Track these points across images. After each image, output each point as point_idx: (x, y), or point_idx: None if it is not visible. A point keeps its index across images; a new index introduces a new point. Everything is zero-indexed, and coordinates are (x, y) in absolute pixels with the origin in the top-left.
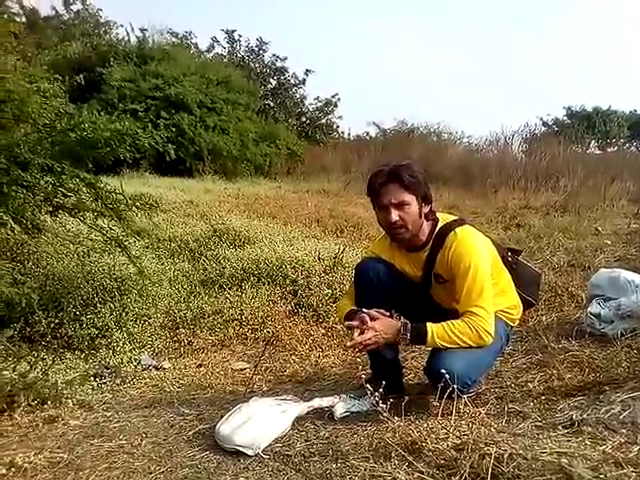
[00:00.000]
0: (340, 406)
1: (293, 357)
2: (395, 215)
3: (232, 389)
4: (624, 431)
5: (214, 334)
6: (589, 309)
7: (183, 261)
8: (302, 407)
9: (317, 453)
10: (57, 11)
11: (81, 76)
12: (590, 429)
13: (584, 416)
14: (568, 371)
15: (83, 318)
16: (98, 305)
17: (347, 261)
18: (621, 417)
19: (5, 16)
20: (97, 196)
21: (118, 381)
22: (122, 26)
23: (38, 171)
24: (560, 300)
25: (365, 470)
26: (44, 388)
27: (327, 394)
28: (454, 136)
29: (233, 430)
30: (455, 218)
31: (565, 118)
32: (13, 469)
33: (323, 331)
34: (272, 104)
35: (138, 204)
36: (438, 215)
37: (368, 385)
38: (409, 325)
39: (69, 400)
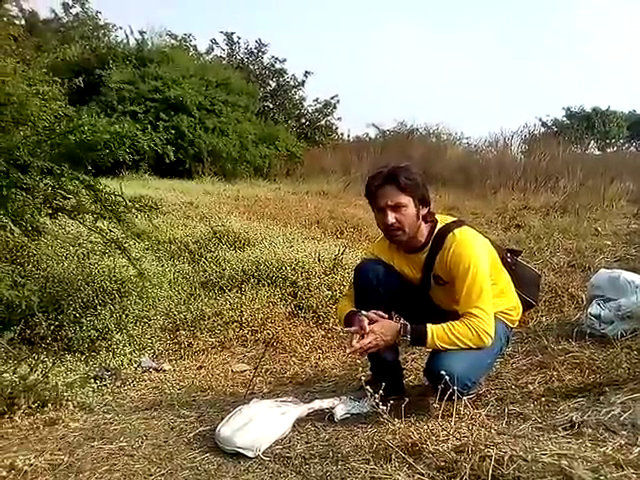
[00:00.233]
0: (340, 408)
1: (293, 359)
2: (392, 217)
3: (232, 391)
4: (624, 433)
5: (214, 336)
6: (589, 310)
7: (183, 263)
8: (302, 409)
9: (317, 455)
10: (56, 14)
11: (80, 79)
12: (590, 431)
13: (584, 418)
14: (568, 372)
15: (83, 320)
16: (98, 307)
17: (347, 262)
18: (621, 418)
19: (4, 19)
20: (97, 198)
21: (118, 383)
22: (121, 28)
23: (37, 173)
24: (560, 301)
25: (365, 472)
26: (44, 390)
27: (327, 396)
28: (453, 137)
29: (233, 432)
30: (454, 219)
31: (564, 119)
32: (13, 471)
33: (323, 333)
34: (271, 106)
35: (138, 206)
36: (437, 216)
37: (368, 387)
38: (409, 326)
39: (69, 402)
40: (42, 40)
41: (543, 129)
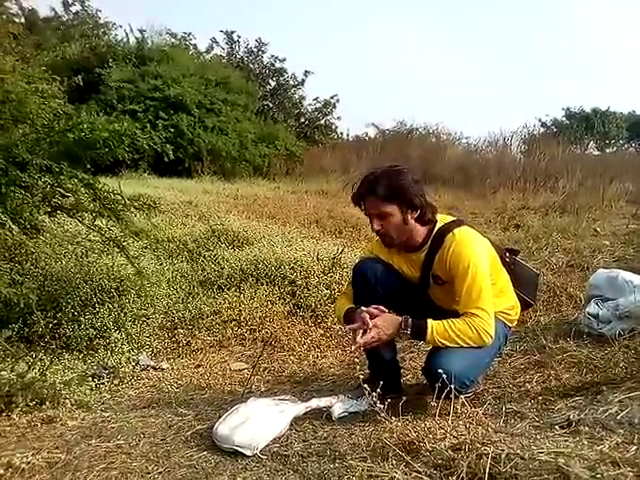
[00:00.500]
0: (338, 406)
1: (291, 357)
2: (377, 225)
3: (230, 389)
4: (621, 431)
5: (212, 335)
6: (587, 309)
7: (182, 262)
8: (300, 407)
9: (315, 453)
10: (56, 12)
11: (79, 77)
12: (587, 429)
13: (582, 416)
14: (566, 371)
15: (81, 318)
16: (96, 305)
17: (346, 262)
18: (618, 417)
19: (4, 17)
20: (95, 196)
21: (116, 381)
22: (121, 27)
23: (36, 171)
24: (558, 300)
25: (363, 470)
26: (42, 388)
27: (325, 394)
28: (453, 137)
29: (231, 430)
30: (453, 219)
31: (564, 119)
32: (11, 469)
33: (321, 331)
34: (271, 105)
35: (136, 204)
36: (436, 216)
37: (366, 385)
38: (410, 320)
39: (67, 400)
40: (42, 38)
41: (542, 129)
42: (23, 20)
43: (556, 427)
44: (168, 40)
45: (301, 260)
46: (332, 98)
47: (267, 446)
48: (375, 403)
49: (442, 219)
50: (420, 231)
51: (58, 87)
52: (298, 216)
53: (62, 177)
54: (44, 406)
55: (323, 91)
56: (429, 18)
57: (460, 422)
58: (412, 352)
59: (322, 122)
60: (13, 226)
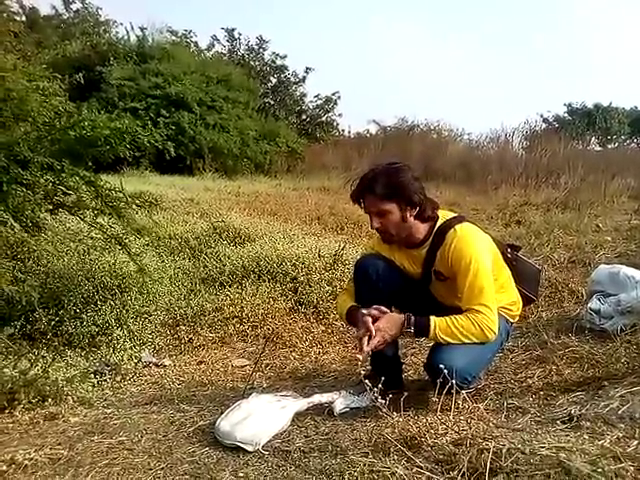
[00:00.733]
0: (339, 402)
1: (293, 354)
2: (376, 223)
3: (232, 386)
4: (622, 426)
5: (214, 331)
6: (589, 305)
7: (183, 259)
8: (302, 403)
9: (316, 449)
10: (57, 10)
11: (80, 75)
12: (589, 424)
13: (583, 411)
14: (567, 367)
15: (83, 316)
16: (98, 303)
17: (347, 258)
18: (620, 412)
19: (5, 15)
20: (97, 194)
21: (118, 378)
22: (122, 25)
23: (38, 169)
24: (560, 296)
25: (364, 465)
26: (45, 385)
27: (327, 390)
28: (454, 133)
29: (233, 426)
30: (455, 215)
31: (566, 115)
32: (13, 466)
33: (323, 328)
34: (272, 102)
35: (138, 202)
36: (438, 212)
37: (367, 381)
38: (412, 318)
39: (69, 397)
40: (43, 36)
41: (544, 125)
42: (24, 18)
43: (557, 422)
44: (169, 38)
45: (303, 257)
46: (333, 95)
47: (269, 442)
48: (377, 399)
49: (443, 215)
50: (420, 228)
51: (59, 85)
52: (299, 213)
53: (64, 175)
54: (46, 403)
55: (324, 88)
56: (430, 15)
57: (461, 417)
58: (414, 348)
59: (323, 119)
60: (15, 224)
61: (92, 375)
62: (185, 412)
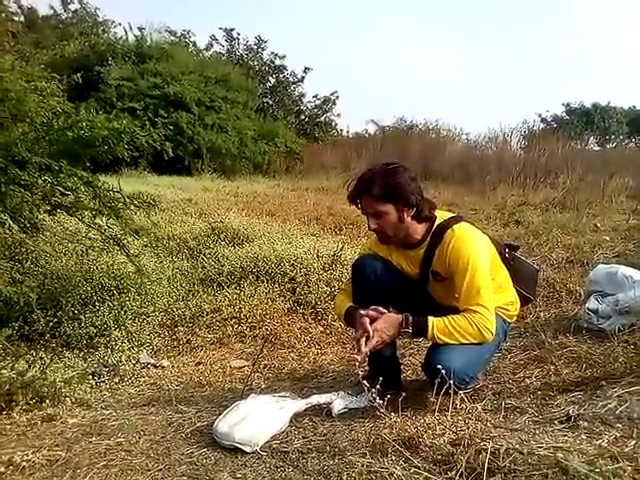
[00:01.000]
0: (338, 403)
1: (291, 355)
2: (373, 224)
3: (230, 387)
4: (620, 426)
5: (213, 332)
6: (587, 305)
7: (182, 259)
8: (300, 404)
9: (315, 449)
10: (55, 10)
11: (79, 75)
12: (586, 424)
13: (581, 411)
14: (565, 367)
15: (82, 317)
16: (97, 304)
17: (346, 259)
18: (617, 412)
19: (3, 15)
20: (95, 195)
21: (116, 379)
22: (120, 25)
23: (36, 170)
24: (558, 296)
25: (362, 466)
26: (42, 387)
27: (325, 391)
28: (453, 133)
29: (231, 427)
30: (452, 215)
31: (564, 114)
32: (11, 467)
33: (321, 328)
34: (271, 102)
35: (136, 202)
36: (435, 212)
37: (365, 382)
38: (410, 318)
39: (67, 398)
40: (41, 36)
41: (542, 125)
42: (22, 18)
43: (555, 422)
44: (167, 38)
45: (301, 257)
46: (332, 95)
47: (267, 443)
48: (375, 399)
49: (441, 215)
50: (418, 228)
51: (57, 85)
52: (298, 213)
53: (62, 175)
54: (44, 404)
55: (323, 88)
56: (430, 15)
57: (459, 418)
58: (412, 348)
59: (322, 119)
60: (13, 225)
61: (90, 376)
62: (183, 413)
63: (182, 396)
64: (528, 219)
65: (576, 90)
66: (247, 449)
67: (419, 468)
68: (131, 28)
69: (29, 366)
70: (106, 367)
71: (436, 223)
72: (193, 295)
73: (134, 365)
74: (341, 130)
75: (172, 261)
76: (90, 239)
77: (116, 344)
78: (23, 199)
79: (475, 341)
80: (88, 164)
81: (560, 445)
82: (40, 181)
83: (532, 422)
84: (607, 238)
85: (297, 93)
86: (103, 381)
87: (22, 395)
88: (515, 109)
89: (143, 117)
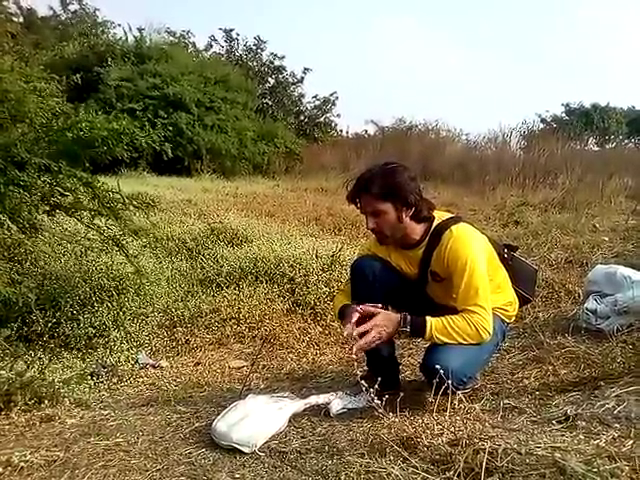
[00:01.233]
0: (336, 403)
1: (290, 355)
2: (371, 223)
3: (229, 387)
4: (618, 425)
5: (211, 333)
6: (585, 305)
7: (181, 260)
8: (298, 404)
9: (313, 450)
10: (54, 11)
11: (78, 76)
12: (584, 424)
13: (579, 411)
14: (564, 367)
15: (80, 317)
16: (95, 304)
17: (345, 259)
18: (615, 412)
19: (3, 16)
20: (94, 195)
21: (115, 380)
22: (119, 25)
23: (35, 170)
24: (557, 296)
25: (360, 466)
26: (41, 387)
27: (323, 391)
28: (452, 134)
29: (230, 427)
30: (451, 215)
31: (563, 115)
32: (9, 468)
33: (320, 329)
34: (270, 103)
35: (135, 203)
36: (434, 212)
37: (364, 382)
38: (409, 317)
39: (66, 399)
40: (40, 37)
41: (542, 125)
42: (21, 19)
43: (553, 422)
44: (167, 38)
45: (300, 258)
46: (331, 95)
47: (265, 443)
48: (373, 399)
49: (440, 216)
50: (416, 229)
51: (57, 86)
52: (297, 214)
53: (61, 176)
54: (43, 405)
55: (322, 89)
56: (429, 15)
57: (457, 418)
58: (411, 349)
59: (321, 120)
60: (12, 225)
61: (89, 377)
62: (182, 413)
63: (181, 396)
64: (527, 219)
65: (575, 90)
66: (245, 449)
67: (417, 468)
68: (130, 29)
69: (28, 366)
70: (105, 367)
71: (435, 224)
72: (192, 296)
73: (133, 365)
74: (340, 130)
75: (171, 262)
76: (89, 240)
77: (115, 344)
78: (22, 200)
79: (473, 341)
80: (87, 165)
81: (558, 445)
82: (39, 182)
83: (530, 422)
84: (606, 238)
85: (296, 94)
86: (102, 381)
87: (21, 395)
88: (514, 109)
89: (142, 118)
